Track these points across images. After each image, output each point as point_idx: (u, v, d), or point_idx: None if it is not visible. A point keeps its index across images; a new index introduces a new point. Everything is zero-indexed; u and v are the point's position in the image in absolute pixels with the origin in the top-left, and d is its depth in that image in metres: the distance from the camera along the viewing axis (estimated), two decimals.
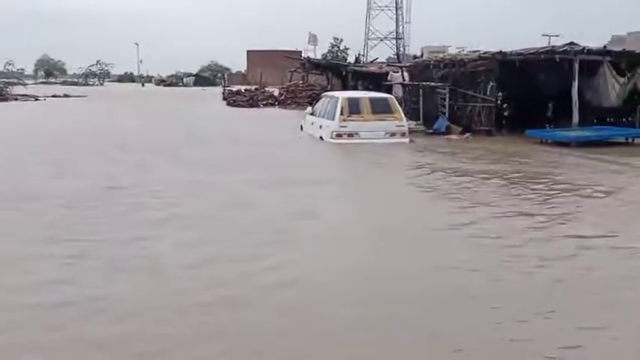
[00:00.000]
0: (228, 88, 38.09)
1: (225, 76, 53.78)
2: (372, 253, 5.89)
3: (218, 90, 43.72)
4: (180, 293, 4.75)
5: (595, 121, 17.58)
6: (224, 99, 35.24)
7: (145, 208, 7.45)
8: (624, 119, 17.39)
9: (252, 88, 37.21)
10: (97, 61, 77.56)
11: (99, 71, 78.37)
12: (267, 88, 36.39)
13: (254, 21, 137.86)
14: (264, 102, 33.26)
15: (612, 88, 16.47)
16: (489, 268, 5.39)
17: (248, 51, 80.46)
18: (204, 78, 79.33)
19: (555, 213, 7.50)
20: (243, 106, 31.53)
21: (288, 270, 5.31)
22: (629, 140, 15.18)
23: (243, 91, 35.64)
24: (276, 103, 33.34)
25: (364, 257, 5.71)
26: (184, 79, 79.34)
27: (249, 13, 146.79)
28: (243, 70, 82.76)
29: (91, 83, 69.86)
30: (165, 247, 5.93)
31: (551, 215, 7.38)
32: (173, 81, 77.53)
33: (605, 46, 18.13)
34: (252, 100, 33.03)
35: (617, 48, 17.75)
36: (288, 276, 5.14)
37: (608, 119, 17.74)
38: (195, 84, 74.12)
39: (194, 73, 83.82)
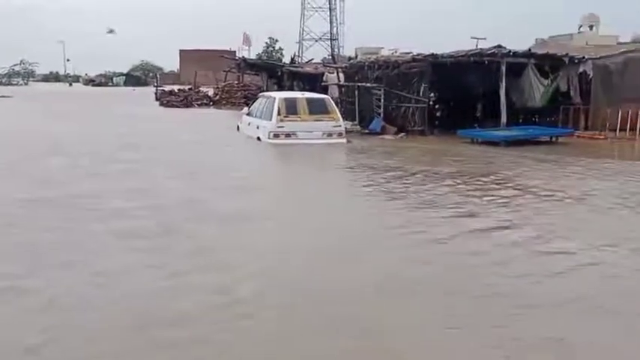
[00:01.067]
0: (160, 88, 37.36)
1: (158, 76, 52.55)
2: (306, 256, 5.93)
3: (150, 90, 42.69)
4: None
5: (521, 120, 18.41)
6: (157, 99, 34.55)
7: (81, 220, 7.15)
8: (548, 119, 18.28)
9: (186, 88, 36.70)
10: (21, 61, 74.52)
11: (23, 71, 75.21)
12: (201, 88, 36.02)
13: (187, 20, 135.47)
14: (199, 102, 32.94)
15: (537, 90, 17.23)
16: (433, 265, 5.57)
17: (181, 50, 79.05)
18: (136, 77, 77.50)
19: (496, 210, 7.82)
20: (177, 107, 31.09)
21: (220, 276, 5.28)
22: (553, 139, 15.95)
23: (176, 91, 35.06)
24: (211, 103, 33.08)
25: (302, 261, 5.75)
26: (114, 79, 77.34)
27: (182, 11, 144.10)
28: (176, 70, 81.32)
29: (15, 83, 66.92)
30: (103, 258, 5.76)
31: (490, 212, 7.68)
32: (102, 80, 75.50)
33: (529, 49, 18.94)
34: (186, 101, 32.62)
35: (541, 51, 18.55)
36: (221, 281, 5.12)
37: (533, 119, 18.60)
38: (126, 84, 72.45)
39: (124, 72, 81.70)
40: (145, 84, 69.12)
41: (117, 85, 73.28)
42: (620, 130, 16.25)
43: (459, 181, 9.88)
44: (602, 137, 16.10)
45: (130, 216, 7.13)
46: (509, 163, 12.13)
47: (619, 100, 16.80)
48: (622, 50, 18.56)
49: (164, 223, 6.79)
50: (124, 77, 77.95)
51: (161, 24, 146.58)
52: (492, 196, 8.71)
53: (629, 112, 16.31)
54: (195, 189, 8.93)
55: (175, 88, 37.38)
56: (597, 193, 9.04)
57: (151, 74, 76.20)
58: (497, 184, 9.73)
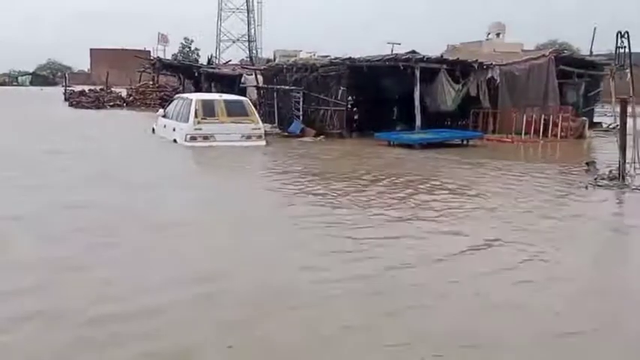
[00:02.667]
0: (70, 89, 35.82)
1: (67, 76, 50.28)
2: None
3: (58, 90, 40.86)
4: None
5: (435, 124, 19.03)
6: (66, 100, 33.21)
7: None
8: (459, 122, 19.03)
9: (98, 88, 35.47)
10: None
11: None
12: (113, 89, 34.90)
13: (99, 18, 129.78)
14: (112, 103, 32.01)
15: (448, 94, 17.85)
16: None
17: (92, 49, 76.09)
18: (43, 77, 74.13)
19: (412, 204, 8.04)
20: (88, 108, 30.08)
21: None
22: (464, 142, 16.62)
23: (87, 91, 33.84)
24: (125, 104, 32.13)
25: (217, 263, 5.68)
26: (19, 78, 73.65)
27: (95, 9, 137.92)
28: (86, 70, 78.20)
29: None
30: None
31: (403, 205, 7.89)
32: (6, 80, 71.69)
33: (442, 55, 19.62)
34: (97, 102, 31.61)
35: (453, 57, 19.24)
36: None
37: (446, 122, 19.28)
38: (33, 83, 69.32)
39: (30, 71, 77.75)
40: (54, 84, 66.24)
41: (22, 84, 69.80)
42: (525, 133, 17.16)
43: (379, 183, 10.08)
44: (508, 140, 16.93)
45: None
46: (426, 165, 12.52)
47: (524, 105, 17.77)
48: (525, 57, 19.61)
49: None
50: (30, 77, 74.41)
51: (70, 21, 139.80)
52: (418, 197, 8.97)
53: (533, 116, 17.28)
54: (117, 200, 8.47)
55: (86, 88, 36.04)
56: (511, 189, 9.54)
57: (59, 74, 72.98)
58: (416, 183, 9.99)
